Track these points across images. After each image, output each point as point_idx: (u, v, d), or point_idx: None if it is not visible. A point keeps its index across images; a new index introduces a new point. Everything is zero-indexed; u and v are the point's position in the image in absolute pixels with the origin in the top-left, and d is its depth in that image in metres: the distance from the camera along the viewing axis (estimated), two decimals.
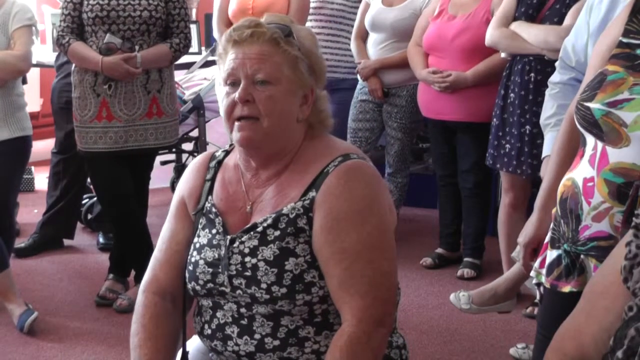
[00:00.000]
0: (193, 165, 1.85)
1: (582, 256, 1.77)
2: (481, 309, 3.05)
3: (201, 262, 1.72)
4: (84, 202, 4.78)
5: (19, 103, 3.67)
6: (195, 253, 1.74)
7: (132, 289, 3.76)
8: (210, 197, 1.77)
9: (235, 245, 1.68)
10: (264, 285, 1.63)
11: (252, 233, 1.67)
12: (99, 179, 3.72)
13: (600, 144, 1.71)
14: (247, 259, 1.66)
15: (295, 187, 1.68)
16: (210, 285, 1.70)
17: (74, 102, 3.59)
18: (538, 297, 2.03)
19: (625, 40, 1.76)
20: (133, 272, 3.86)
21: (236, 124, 1.67)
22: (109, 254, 3.95)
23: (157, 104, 3.61)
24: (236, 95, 1.65)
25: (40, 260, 4.35)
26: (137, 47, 3.49)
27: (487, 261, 4.21)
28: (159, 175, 5.76)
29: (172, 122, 3.72)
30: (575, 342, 1.36)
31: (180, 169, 5.66)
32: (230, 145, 1.84)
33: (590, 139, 1.74)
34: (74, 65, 3.61)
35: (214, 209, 1.75)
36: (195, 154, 5.39)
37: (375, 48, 4.39)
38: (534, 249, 2.01)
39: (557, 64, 2.47)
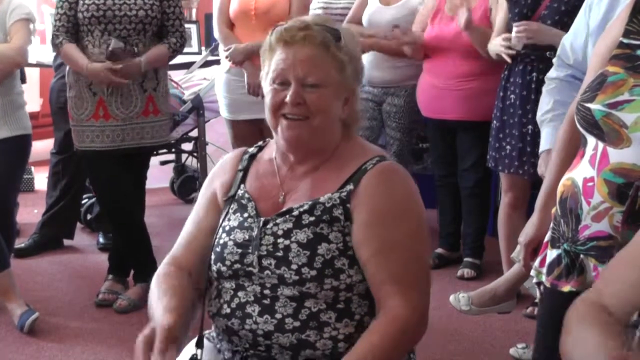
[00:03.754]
0: (226, 158, 1.91)
1: (581, 256, 1.77)
2: (481, 310, 3.05)
3: (230, 242, 1.75)
4: (83, 202, 4.78)
5: (18, 102, 3.67)
6: (224, 235, 1.77)
7: (132, 288, 3.76)
8: (242, 186, 1.81)
9: (268, 226, 1.72)
10: (294, 266, 1.67)
11: (287, 216, 1.71)
12: (97, 178, 3.73)
13: (600, 145, 1.71)
14: (280, 240, 1.70)
15: (332, 181, 1.74)
16: (237, 266, 1.73)
17: (69, 102, 3.61)
18: (538, 296, 2.03)
19: (625, 41, 1.76)
20: (132, 272, 3.86)
21: (283, 122, 1.73)
22: (108, 254, 3.95)
23: (153, 103, 3.62)
24: (287, 97, 1.71)
25: (40, 260, 4.35)
26: (135, 49, 3.50)
27: (487, 261, 4.21)
28: (159, 175, 5.76)
29: (167, 121, 3.74)
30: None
31: (179, 169, 5.66)
32: (263, 141, 1.90)
33: (590, 140, 1.74)
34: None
35: (246, 195, 1.79)
36: (195, 154, 5.39)
37: None
38: (534, 249, 2.02)
39: (554, 60, 2.50)
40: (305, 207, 1.71)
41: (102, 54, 3.48)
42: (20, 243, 4.32)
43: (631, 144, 1.66)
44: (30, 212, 5.03)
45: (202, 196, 1.88)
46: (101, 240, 4.59)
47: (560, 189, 1.83)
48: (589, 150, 1.75)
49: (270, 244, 1.70)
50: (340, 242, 1.68)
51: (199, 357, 1.80)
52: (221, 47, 4.37)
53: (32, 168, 5.71)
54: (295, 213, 1.71)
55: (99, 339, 3.40)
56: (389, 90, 4.37)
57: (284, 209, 1.73)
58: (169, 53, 3.60)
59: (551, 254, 1.87)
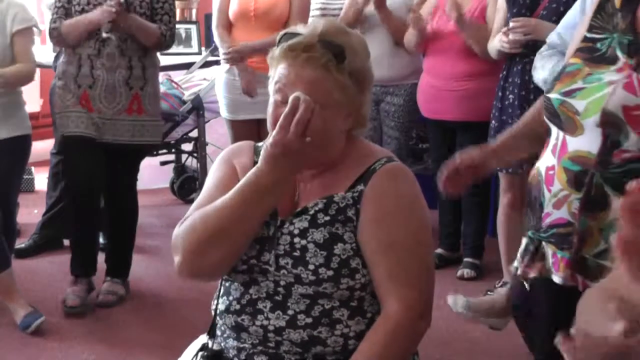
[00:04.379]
0: (236, 145, 1.89)
1: (543, 243, 1.84)
2: (475, 316, 3.08)
3: None
4: None
5: (18, 102, 3.67)
6: None
7: (108, 284, 3.80)
8: None
9: (285, 226, 1.72)
10: (311, 267, 1.67)
11: (302, 216, 1.71)
12: (75, 167, 3.71)
13: (561, 134, 1.78)
14: (297, 239, 1.70)
15: (342, 182, 1.74)
16: (253, 261, 1.72)
17: (56, 91, 3.67)
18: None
19: (589, 35, 1.83)
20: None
21: None
22: (104, 256, 3.95)
23: (138, 101, 3.64)
24: (278, 112, 1.68)
25: (40, 260, 4.35)
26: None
27: (487, 261, 4.21)
28: (159, 175, 5.76)
29: (153, 122, 3.74)
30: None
31: (179, 169, 5.66)
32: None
33: (554, 129, 1.82)
34: (62, 57, 3.69)
35: None
36: (195, 154, 5.39)
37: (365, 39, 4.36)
38: (455, 169, 2.07)
39: (544, 46, 2.63)
40: (320, 205, 1.71)
41: (90, 47, 3.56)
42: (20, 243, 4.32)
43: (584, 131, 1.72)
44: (30, 212, 5.03)
45: (221, 171, 1.82)
46: (101, 240, 4.59)
47: (529, 179, 1.93)
48: (552, 140, 1.82)
49: (287, 243, 1.70)
50: (353, 242, 1.69)
51: (210, 346, 1.81)
52: (221, 48, 4.39)
53: (32, 168, 5.70)
54: (311, 212, 1.71)
55: (99, 339, 3.40)
56: (388, 90, 4.36)
57: (300, 209, 1.73)
58: (157, 34, 3.60)
59: (523, 242, 1.95)
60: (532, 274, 1.88)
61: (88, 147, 3.60)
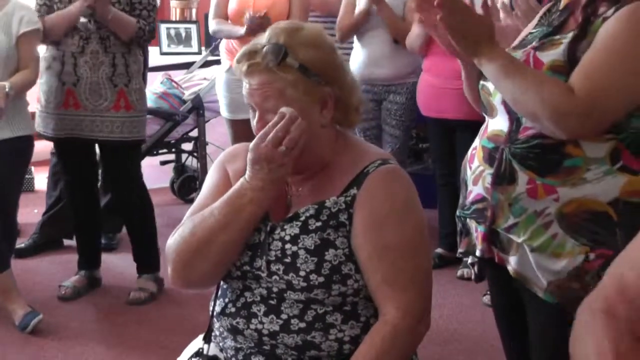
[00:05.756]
0: (232, 149, 1.89)
1: (467, 220, 1.91)
2: None
3: None
4: None
5: (21, 102, 3.66)
6: None
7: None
8: None
9: (276, 232, 1.71)
10: (302, 273, 1.66)
11: (293, 222, 1.70)
12: (64, 164, 3.87)
13: (487, 118, 1.89)
14: (288, 246, 1.69)
15: (335, 185, 1.72)
16: (246, 267, 1.72)
17: (39, 87, 3.69)
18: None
19: (531, 30, 1.93)
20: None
21: None
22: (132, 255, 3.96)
23: (124, 98, 3.65)
24: (254, 123, 1.72)
25: (40, 260, 4.35)
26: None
27: None
28: (159, 175, 5.76)
29: (140, 118, 3.75)
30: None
31: (179, 169, 5.66)
32: None
33: (486, 117, 1.91)
34: (45, 52, 3.71)
35: None
36: (195, 154, 5.39)
37: (366, 38, 4.37)
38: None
39: None
40: (312, 211, 1.69)
41: (74, 45, 3.57)
42: (20, 243, 4.32)
43: (498, 112, 1.81)
44: (30, 212, 5.03)
45: (216, 177, 1.83)
46: (102, 240, 4.59)
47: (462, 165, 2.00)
48: (482, 126, 1.92)
49: (278, 249, 1.70)
50: (346, 247, 1.68)
51: (205, 352, 1.81)
52: (222, 44, 4.39)
53: (32, 168, 5.70)
54: (302, 218, 1.69)
55: (99, 339, 3.40)
56: (391, 88, 4.38)
57: (291, 215, 1.72)
58: (135, 27, 3.59)
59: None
60: (460, 250, 1.96)
61: (75, 147, 3.70)
